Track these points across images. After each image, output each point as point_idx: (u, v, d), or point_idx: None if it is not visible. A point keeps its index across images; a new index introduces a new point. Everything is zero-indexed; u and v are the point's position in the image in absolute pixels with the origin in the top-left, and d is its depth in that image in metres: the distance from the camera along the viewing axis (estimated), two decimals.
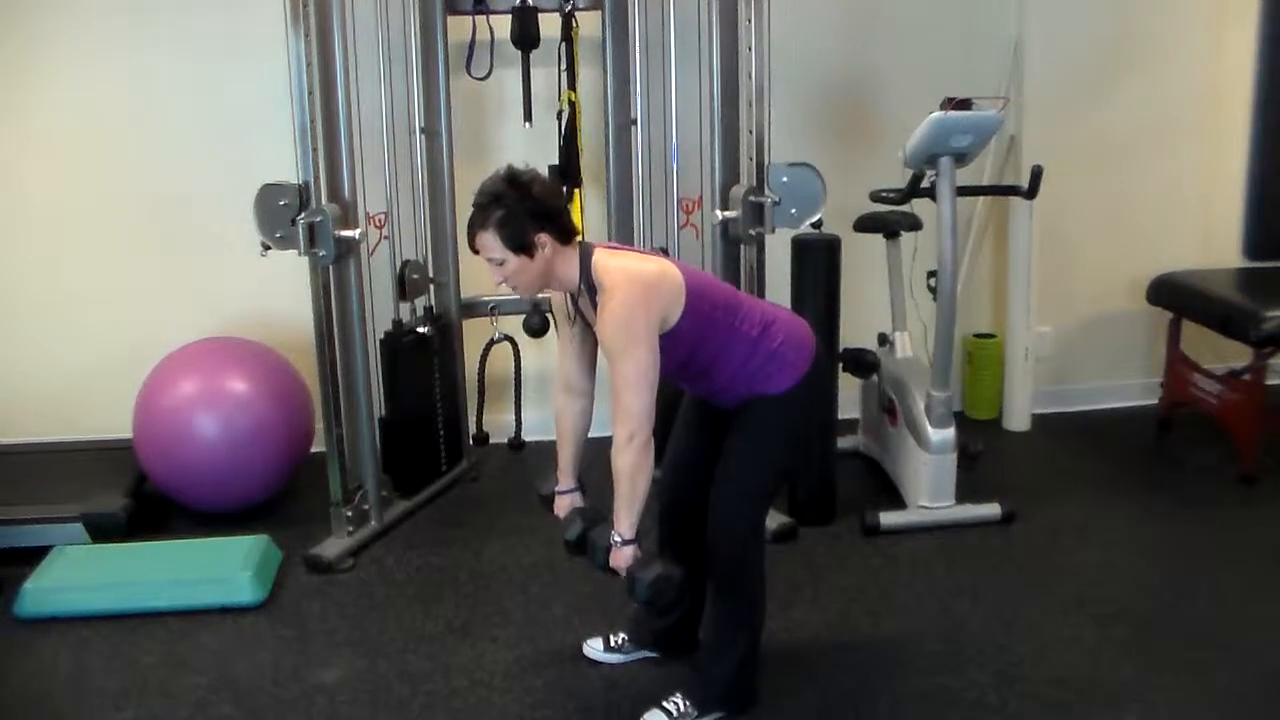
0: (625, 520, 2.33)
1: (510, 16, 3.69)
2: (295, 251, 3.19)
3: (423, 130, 3.69)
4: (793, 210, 3.30)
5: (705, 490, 2.49)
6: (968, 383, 4.52)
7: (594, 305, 2.34)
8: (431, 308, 3.82)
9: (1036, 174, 3.64)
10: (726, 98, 3.43)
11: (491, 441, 3.96)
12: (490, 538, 3.53)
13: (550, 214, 2.31)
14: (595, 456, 2.58)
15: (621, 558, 2.34)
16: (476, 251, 2.34)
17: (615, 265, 2.31)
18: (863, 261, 3.87)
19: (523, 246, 2.27)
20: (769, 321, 2.43)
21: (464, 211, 2.36)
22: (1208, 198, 4.47)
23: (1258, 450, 3.80)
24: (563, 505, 2.59)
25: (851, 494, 3.68)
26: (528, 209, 2.27)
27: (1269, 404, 3.82)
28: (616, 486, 2.32)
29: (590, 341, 2.51)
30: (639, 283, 2.28)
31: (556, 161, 3.80)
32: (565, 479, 2.60)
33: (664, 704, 2.55)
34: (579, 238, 2.39)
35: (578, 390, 2.55)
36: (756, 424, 2.44)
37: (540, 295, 2.47)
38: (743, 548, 2.49)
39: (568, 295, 2.44)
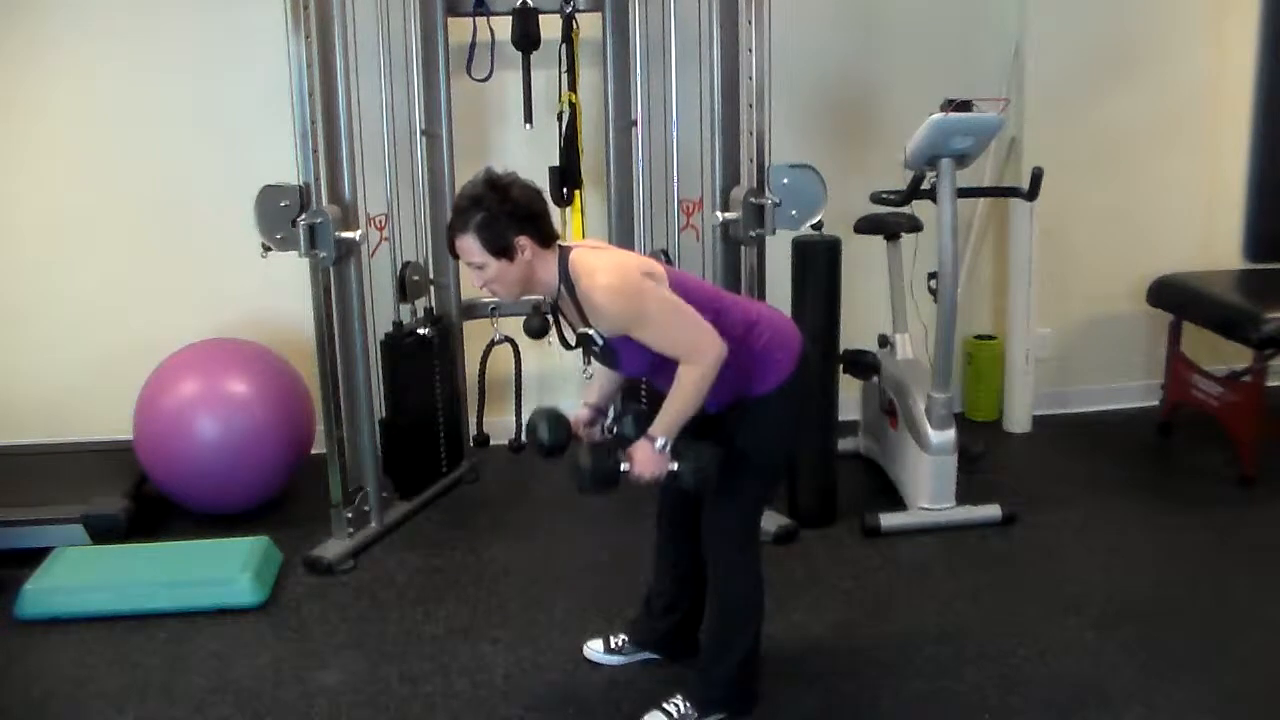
0: (668, 425, 2.30)
1: (511, 18, 3.69)
2: (296, 253, 3.19)
3: (423, 132, 3.69)
4: (793, 212, 3.30)
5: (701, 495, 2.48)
6: (968, 384, 4.52)
7: (574, 302, 2.33)
8: (432, 309, 3.82)
9: (1037, 175, 3.64)
10: (727, 99, 3.43)
11: (492, 443, 3.96)
12: (491, 539, 3.53)
13: (530, 216, 2.28)
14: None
15: (651, 460, 2.32)
16: (457, 256, 2.32)
17: (592, 256, 2.32)
18: (863, 263, 3.87)
19: (503, 250, 2.26)
20: (752, 322, 2.41)
21: None
22: (1208, 199, 4.47)
23: (1258, 452, 3.80)
24: (581, 418, 2.53)
25: (852, 496, 3.69)
26: (507, 211, 2.25)
27: (1269, 406, 3.82)
28: (672, 393, 2.30)
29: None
30: (615, 257, 2.32)
31: (557, 163, 3.81)
32: (590, 397, 2.56)
33: (664, 705, 2.55)
34: (560, 240, 2.37)
35: None
36: (744, 427, 2.42)
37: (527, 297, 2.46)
38: (738, 550, 2.49)
39: (546, 299, 2.43)
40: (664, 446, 2.32)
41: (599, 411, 2.56)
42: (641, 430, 2.37)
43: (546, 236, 2.32)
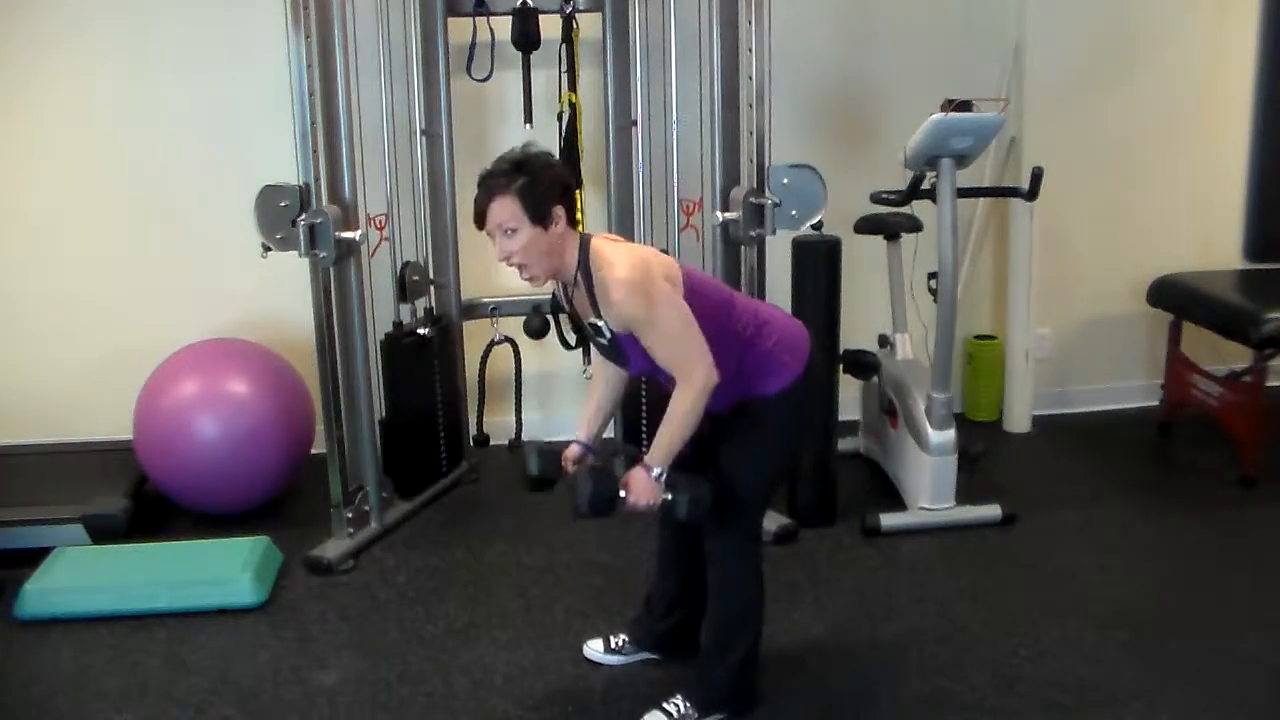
0: (663, 455, 2.31)
1: (511, 18, 3.69)
2: (296, 253, 3.19)
3: (423, 132, 3.70)
4: (793, 212, 3.30)
5: None
6: (968, 384, 4.52)
7: (588, 294, 2.32)
8: (432, 309, 3.82)
9: (1037, 175, 3.64)
10: (727, 99, 3.43)
11: (492, 443, 3.96)
12: (491, 539, 3.53)
13: (566, 190, 2.31)
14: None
15: (647, 489, 2.32)
16: (482, 226, 2.29)
17: (612, 248, 2.32)
18: (863, 263, 3.87)
19: (541, 217, 2.25)
20: (763, 322, 2.42)
21: (465, 213, 2.36)
22: (1207, 199, 4.47)
23: (1258, 452, 3.80)
24: (571, 454, 2.52)
25: (852, 496, 3.69)
26: (550, 179, 2.27)
27: (1269, 406, 3.82)
28: (664, 424, 2.30)
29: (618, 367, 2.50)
30: (637, 253, 2.31)
31: None
32: (581, 434, 2.57)
33: (664, 705, 2.55)
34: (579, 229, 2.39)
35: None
36: (749, 427, 2.43)
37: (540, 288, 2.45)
38: (739, 550, 2.49)
39: (559, 285, 2.43)
40: (659, 476, 2.33)
41: (588, 449, 2.55)
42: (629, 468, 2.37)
43: (573, 218, 2.34)
